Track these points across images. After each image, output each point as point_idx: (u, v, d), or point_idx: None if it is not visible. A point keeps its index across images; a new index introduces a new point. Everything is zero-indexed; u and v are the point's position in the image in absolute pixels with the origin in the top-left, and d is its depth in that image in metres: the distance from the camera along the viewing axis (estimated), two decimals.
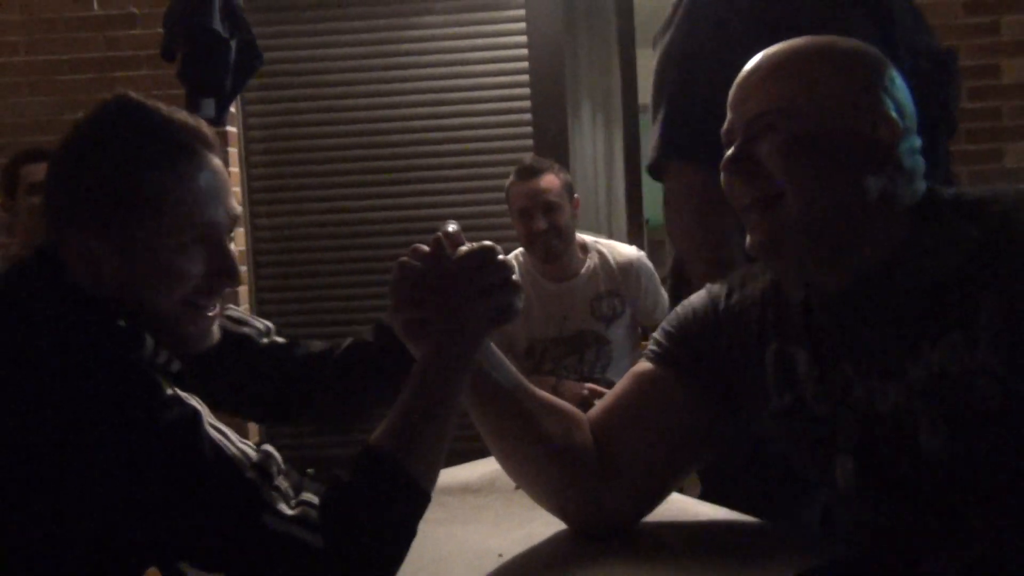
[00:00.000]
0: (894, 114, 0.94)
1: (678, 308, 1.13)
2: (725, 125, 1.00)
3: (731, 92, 1.00)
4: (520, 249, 2.46)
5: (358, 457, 0.88)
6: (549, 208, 2.30)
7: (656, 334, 1.13)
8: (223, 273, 0.92)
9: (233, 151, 3.13)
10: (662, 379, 1.08)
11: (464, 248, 0.98)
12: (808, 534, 1.05)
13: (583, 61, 3.56)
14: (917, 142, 0.97)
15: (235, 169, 3.13)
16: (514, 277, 0.96)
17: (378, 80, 3.26)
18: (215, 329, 0.95)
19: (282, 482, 0.84)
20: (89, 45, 3.07)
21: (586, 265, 2.42)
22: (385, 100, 3.26)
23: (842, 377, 0.96)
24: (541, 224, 2.29)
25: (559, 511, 1.08)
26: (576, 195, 2.43)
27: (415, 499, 0.87)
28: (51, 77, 3.07)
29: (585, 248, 2.45)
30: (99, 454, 0.78)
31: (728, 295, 1.08)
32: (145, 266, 0.88)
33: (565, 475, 1.05)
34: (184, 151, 0.90)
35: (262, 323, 1.18)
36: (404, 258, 0.99)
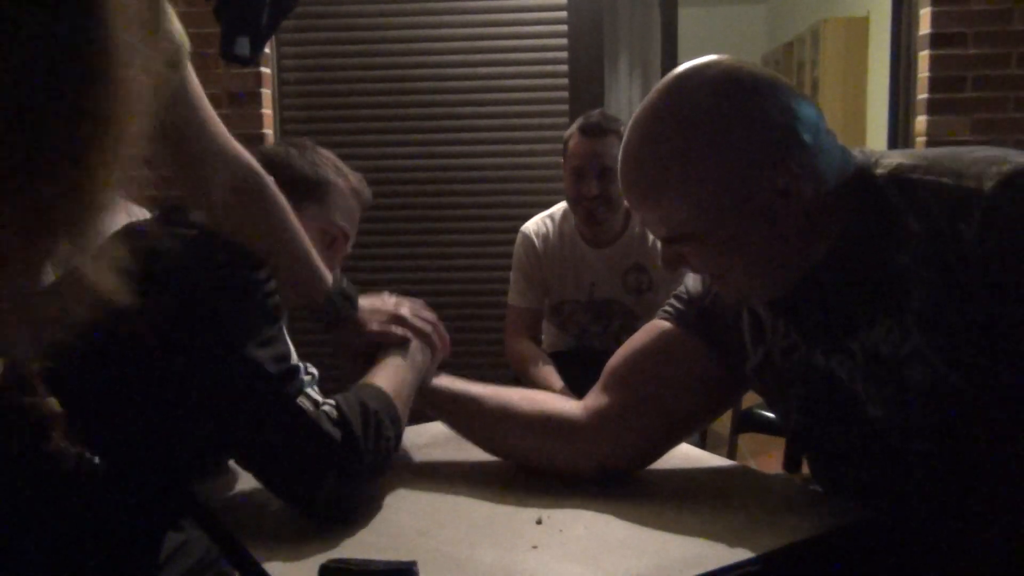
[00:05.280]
0: (772, 156, 0.89)
1: (689, 274, 1.17)
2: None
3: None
4: (562, 204, 2.41)
5: (362, 385, 1.06)
6: (604, 173, 2.18)
7: (673, 297, 1.18)
8: None
9: (266, 92, 3.12)
10: (673, 334, 1.13)
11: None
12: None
13: (623, 16, 3.49)
14: (817, 125, 0.92)
15: (268, 111, 3.13)
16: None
17: (414, 25, 3.22)
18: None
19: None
20: None
21: (625, 234, 2.33)
22: (421, 46, 3.22)
23: (796, 341, 1.02)
24: (593, 189, 2.19)
25: (560, 472, 1.13)
26: None
27: (398, 426, 1.05)
28: None
29: (629, 216, 2.36)
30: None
31: None
32: None
33: (554, 442, 1.14)
34: None
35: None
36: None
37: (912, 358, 0.89)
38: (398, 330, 1.18)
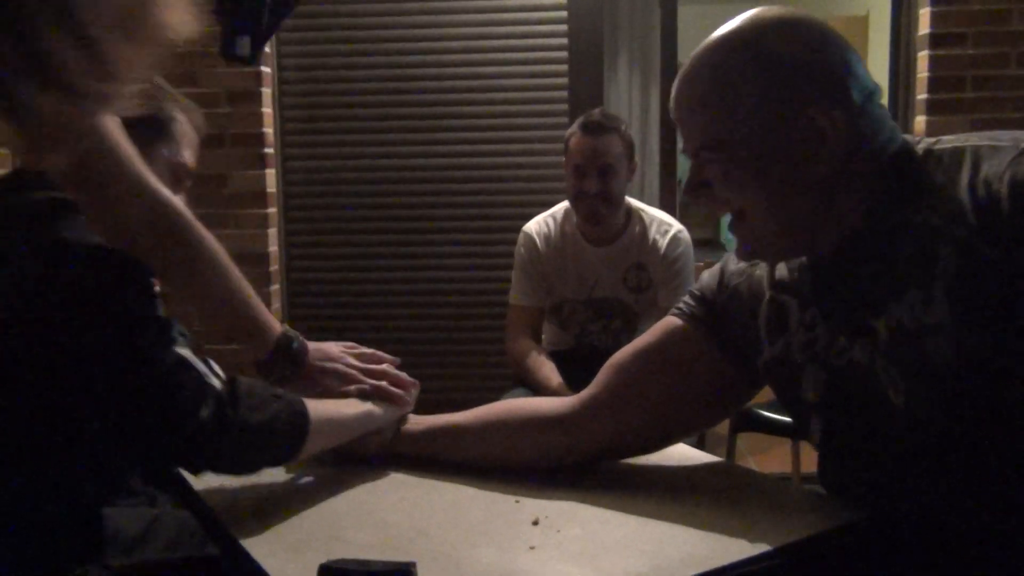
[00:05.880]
0: (822, 101, 0.91)
1: (708, 273, 1.18)
2: (680, 146, 1.04)
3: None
4: (563, 204, 2.41)
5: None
6: (605, 171, 2.20)
7: (686, 297, 1.18)
8: None
9: (267, 91, 3.12)
10: (687, 334, 1.13)
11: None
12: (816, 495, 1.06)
13: (623, 14, 3.49)
14: (872, 93, 0.95)
15: (268, 110, 3.13)
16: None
17: (414, 25, 3.22)
18: None
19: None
20: None
21: (626, 233, 2.34)
22: (421, 45, 3.22)
23: (821, 329, 1.00)
24: (593, 186, 2.20)
25: (554, 464, 1.16)
26: (635, 159, 2.35)
27: (298, 430, 1.05)
28: None
29: (630, 214, 2.37)
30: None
31: (729, 259, 1.14)
32: None
33: (545, 436, 1.16)
34: None
35: None
36: None
37: (935, 330, 0.87)
38: (352, 390, 1.18)
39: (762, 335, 1.07)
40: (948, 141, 0.94)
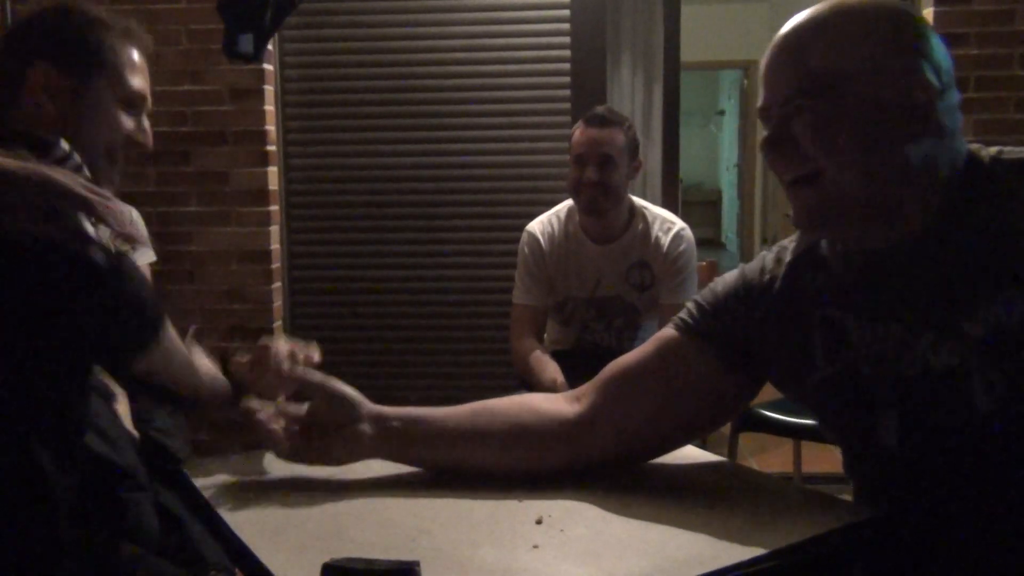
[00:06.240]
0: (929, 74, 0.91)
1: (713, 284, 1.15)
2: (761, 102, 1.00)
3: (762, 68, 0.99)
4: (567, 203, 2.42)
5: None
6: (604, 162, 2.22)
7: (689, 305, 1.15)
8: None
9: (269, 89, 3.12)
10: (685, 347, 1.11)
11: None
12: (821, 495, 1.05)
13: (626, 14, 3.48)
14: (956, 98, 0.95)
15: (270, 107, 3.13)
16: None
17: (417, 23, 3.22)
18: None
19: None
20: None
21: (629, 231, 2.35)
22: (423, 43, 3.22)
23: (893, 338, 0.96)
24: (592, 176, 2.22)
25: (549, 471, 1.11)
26: (639, 158, 2.36)
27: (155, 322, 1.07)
28: None
29: (633, 213, 2.38)
30: None
31: (762, 272, 1.10)
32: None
33: (541, 443, 1.11)
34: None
35: None
36: None
37: None
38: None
39: (816, 355, 1.03)
40: (1012, 152, 0.95)
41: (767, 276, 1.09)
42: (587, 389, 1.16)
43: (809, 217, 0.97)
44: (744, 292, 1.11)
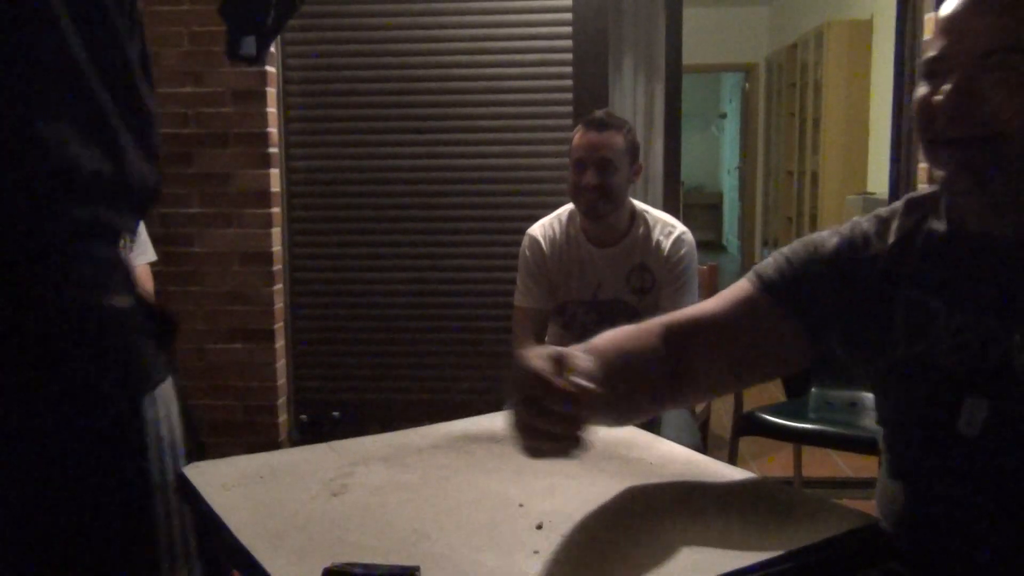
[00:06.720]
0: None
1: (800, 244, 1.11)
2: (935, 51, 0.93)
3: (946, 15, 0.92)
4: (568, 206, 2.42)
5: None
6: (604, 165, 2.22)
7: (772, 260, 1.12)
8: None
9: (271, 91, 3.12)
10: (759, 303, 1.09)
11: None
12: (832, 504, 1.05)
13: (628, 17, 3.49)
14: None
15: (272, 110, 3.13)
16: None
17: (419, 25, 3.22)
18: None
19: None
20: None
21: (630, 234, 2.35)
22: (425, 46, 3.22)
23: (981, 329, 0.94)
24: (592, 179, 2.22)
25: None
26: (640, 161, 2.36)
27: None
28: None
29: (634, 216, 2.38)
30: None
31: (854, 240, 1.07)
32: None
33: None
34: None
35: None
36: None
37: None
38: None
39: (897, 334, 1.00)
40: None
41: (871, 251, 1.05)
42: (658, 340, 1.14)
43: (967, 182, 0.91)
44: (840, 263, 1.06)
